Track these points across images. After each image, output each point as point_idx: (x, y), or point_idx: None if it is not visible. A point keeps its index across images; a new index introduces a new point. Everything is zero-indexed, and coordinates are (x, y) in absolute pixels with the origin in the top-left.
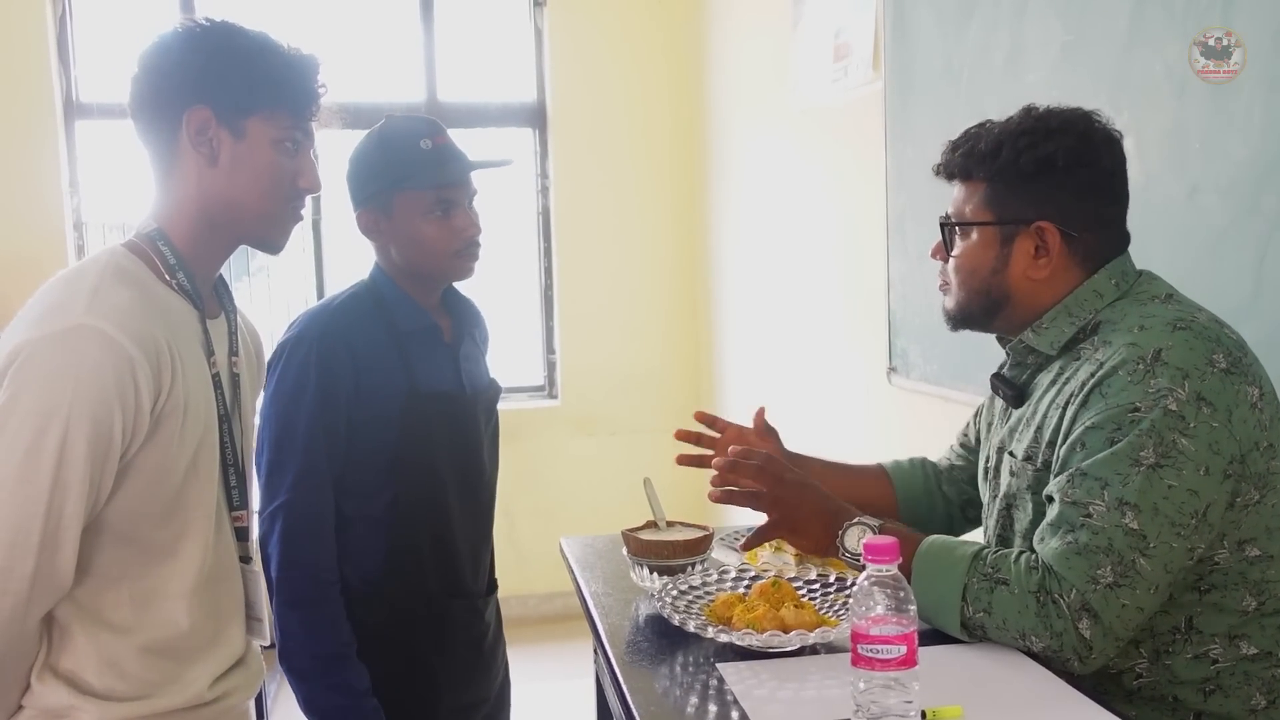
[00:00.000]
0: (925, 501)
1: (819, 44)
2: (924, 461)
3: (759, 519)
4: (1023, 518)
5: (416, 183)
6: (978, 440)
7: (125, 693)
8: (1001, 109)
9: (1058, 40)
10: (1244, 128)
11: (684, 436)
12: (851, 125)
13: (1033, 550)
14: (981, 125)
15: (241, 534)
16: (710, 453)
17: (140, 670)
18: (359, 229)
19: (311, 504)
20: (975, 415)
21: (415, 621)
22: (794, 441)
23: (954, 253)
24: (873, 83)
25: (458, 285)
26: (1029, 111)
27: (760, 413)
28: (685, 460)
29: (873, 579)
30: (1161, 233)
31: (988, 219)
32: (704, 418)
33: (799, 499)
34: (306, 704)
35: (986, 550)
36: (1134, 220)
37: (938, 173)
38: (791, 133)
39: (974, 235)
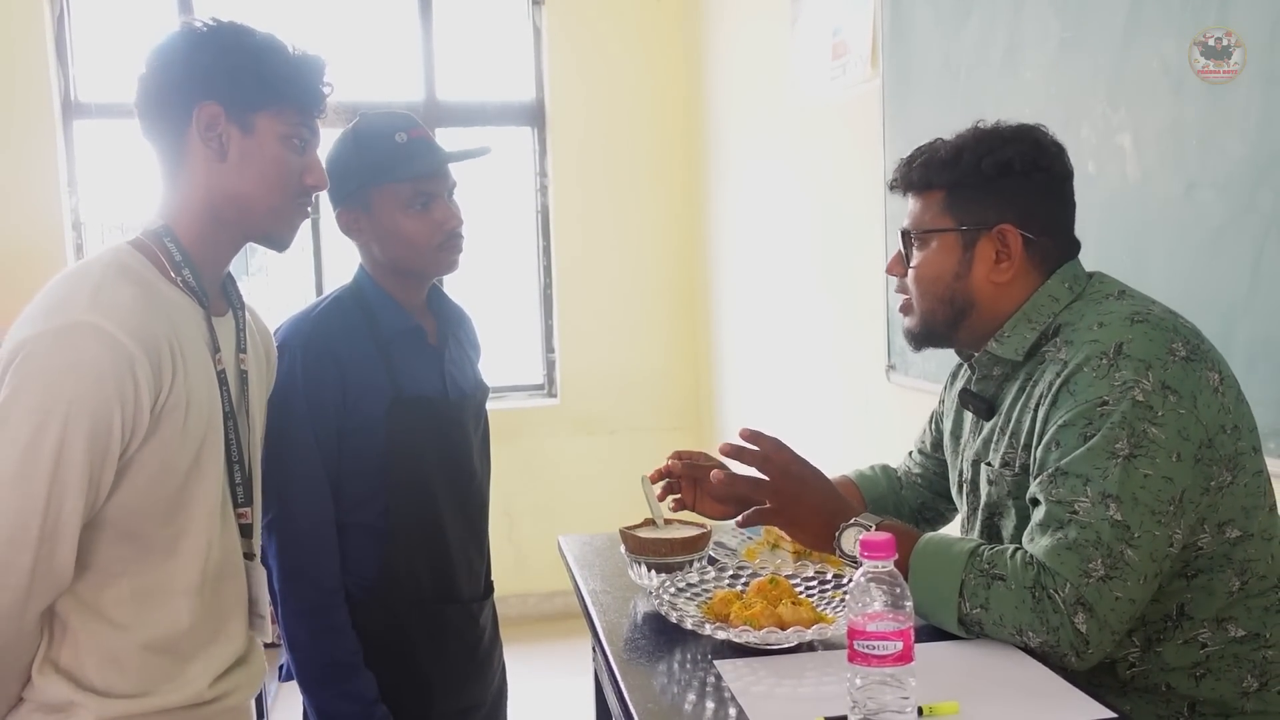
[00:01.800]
0: (891, 502)
1: (817, 41)
2: (885, 467)
3: None
4: (1008, 525)
5: (393, 176)
6: (934, 445)
7: (125, 689)
8: (999, 106)
9: (1055, 37)
10: (1241, 125)
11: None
12: (850, 122)
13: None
14: (931, 142)
15: (246, 530)
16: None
17: (140, 667)
18: (339, 228)
19: (309, 513)
20: (930, 422)
21: (410, 628)
22: (793, 438)
23: (913, 264)
24: (871, 80)
25: (446, 289)
26: (978, 125)
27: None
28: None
29: (869, 575)
30: (1159, 230)
31: (949, 225)
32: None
33: (799, 492)
34: (318, 713)
35: (983, 547)
36: (1132, 217)
37: (894, 187)
38: (790, 130)
39: (934, 243)
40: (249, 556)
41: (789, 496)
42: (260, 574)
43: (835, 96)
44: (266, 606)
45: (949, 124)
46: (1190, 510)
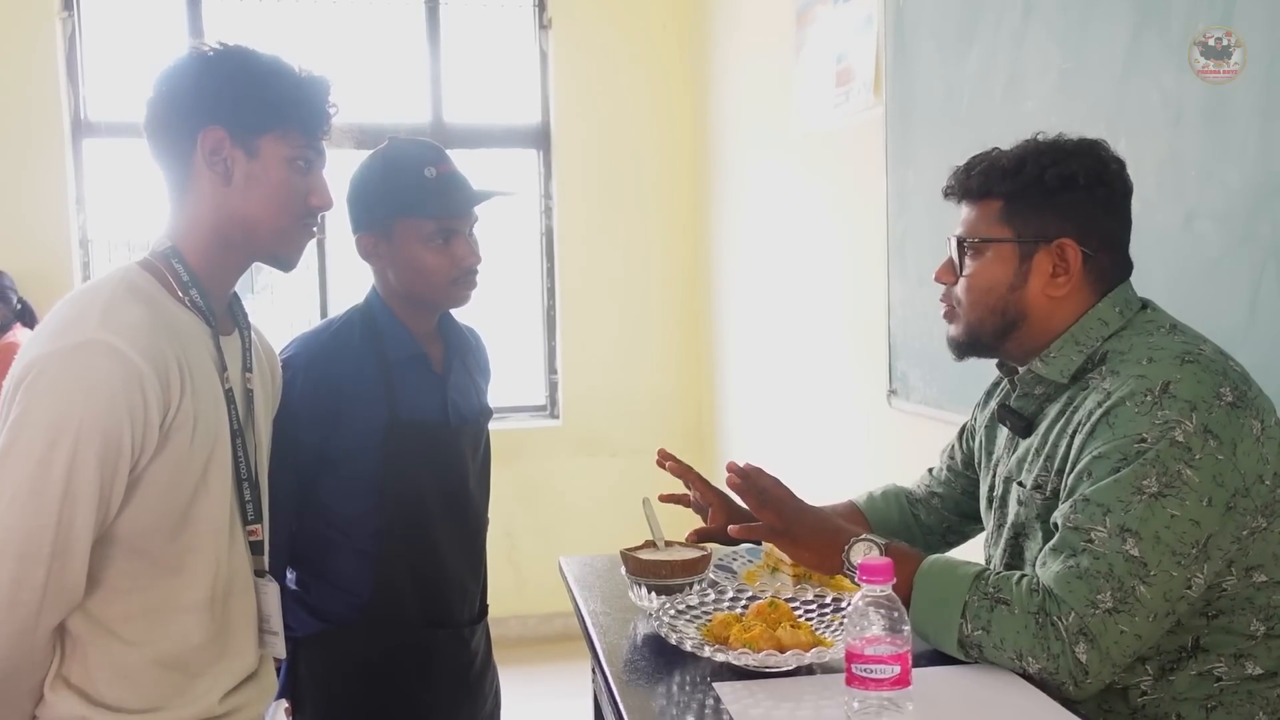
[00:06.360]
0: (902, 534)
1: (821, 69)
2: (898, 492)
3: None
4: (1033, 547)
5: (418, 211)
6: (965, 463)
7: (136, 704)
8: (1001, 135)
9: (1056, 68)
10: (1239, 156)
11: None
12: (853, 150)
13: (1036, 574)
14: (990, 151)
15: (256, 548)
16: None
17: (151, 682)
18: (358, 252)
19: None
20: (960, 437)
21: (401, 652)
22: (794, 463)
23: (965, 272)
24: (874, 108)
25: (455, 313)
26: (1038, 137)
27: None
28: (667, 498)
29: (867, 599)
30: (1159, 259)
31: (1007, 235)
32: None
33: (797, 519)
34: None
35: (989, 571)
36: (1131, 246)
37: (949, 194)
38: (793, 156)
39: (989, 253)
40: (259, 573)
41: (788, 523)
42: (271, 591)
43: (839, 123)
44: (278, 623)
45: (952, 152)
46: (1217, 556)
